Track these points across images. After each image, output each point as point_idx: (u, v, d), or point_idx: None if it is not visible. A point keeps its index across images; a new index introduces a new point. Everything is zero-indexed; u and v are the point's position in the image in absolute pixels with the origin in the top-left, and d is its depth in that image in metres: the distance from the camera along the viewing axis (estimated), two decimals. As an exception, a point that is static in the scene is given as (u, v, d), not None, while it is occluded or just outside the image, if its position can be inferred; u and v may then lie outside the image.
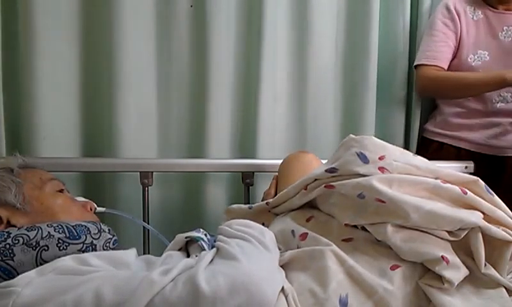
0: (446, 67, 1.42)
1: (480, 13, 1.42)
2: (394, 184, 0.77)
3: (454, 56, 1.44)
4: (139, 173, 1.22)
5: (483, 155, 1.42)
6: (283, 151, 1.37)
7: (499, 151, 1.42)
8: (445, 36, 1.41)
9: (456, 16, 1.41)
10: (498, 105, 1.40)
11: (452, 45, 1.42)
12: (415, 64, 1.47)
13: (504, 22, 1.41)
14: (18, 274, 0.65)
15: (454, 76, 1.40)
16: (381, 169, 0.79)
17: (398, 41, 1.51)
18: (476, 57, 1.39)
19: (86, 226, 0.78)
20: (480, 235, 0.72)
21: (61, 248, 0.73)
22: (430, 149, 1.49)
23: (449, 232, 0.73)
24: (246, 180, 1.28)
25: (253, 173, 1.29)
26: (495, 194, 0.80)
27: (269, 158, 1.35)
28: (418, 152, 1.52)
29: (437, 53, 1.41)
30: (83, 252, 0.75)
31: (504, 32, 1.40)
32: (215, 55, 1.31)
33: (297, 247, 0.79)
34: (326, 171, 0.84)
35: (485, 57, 1.39)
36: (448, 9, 1.43)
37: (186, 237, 0.79)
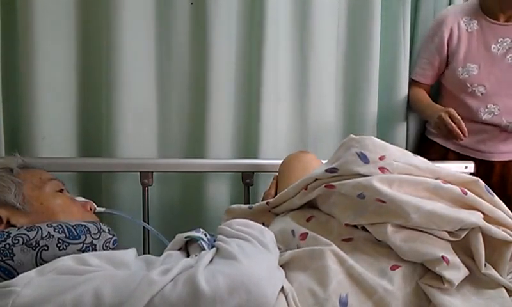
0: (430, 82, 1.50)
1: (476, 23, 1.41)
2: (394, 184, 0.77)
3: (445, 68, 1.45)
4: (139, 173, 1.22)
5: (470, 158, 1.44)
6: (284, 151, 1.37)
7: (486, 155, 1.45)
8: (429, 54, 1.46)
9: (445, 32, 1.41)
10: (485, 116, 1.41)
11: (436, 61, 1.45)
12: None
13: (499, 34, 1.40)
14: (18, 274, 0.65)
15: (414, 99, 1.49)
16: (382, 169, 0.79)
17: (398, 43, 1.51)
18: (464, 70, 1.40)
19: (85, 226, 0.78)
20: (480, 235, 0.72)
21: (61, 248, 0.73)
22: (424, 147, 1.53)
23: (449, 232, 0.74)
24: (246, 180, 1.28)
25: (253, 173, 1.29)
26: (495, 195, 0.80)
27: (269, 158, 1.35)
28: (419, 149, 1.56)
29: (420, 70, 1.50)
30: (83, 252, 0.74)
31: (498, 45, 1.39)
32: (215, 54, 1.31)
33: (297, 247, 0.79)
34: (326, 171, 0.84)
35: (473, 71, 1.39)
36: (438, 24, 1.44)
37: (186, 237, 0.79)
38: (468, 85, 1.40)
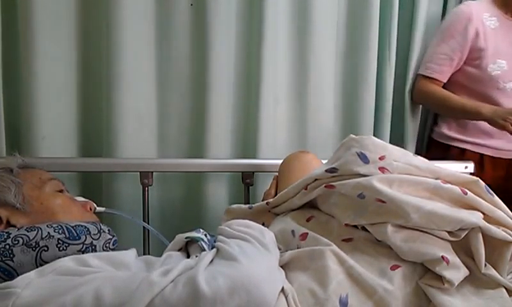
0: (445, 79, 1.46)
1: (496, 20, 1.41)
2: (394, 184, 0.77)
3: (465, 65, 1.44)
4: (139, 173, 1.22)
5: (503, 159, 1.46)
6: (284, 151, 1.37)
7: (510, 154, 1.47)
8: (449, 50, 1.42)
9: (471, 30, 1.39)
10: None
11: (456, 58, 1.42)
12: (418, 72, 1.50)
13: None
14: (17, 275, 0.65)
15: (441, 95, 1.44)
16: (382, 169, 0.79)
17: (384, 48, 1.51)
18: (496, 66, 1.39)
19: (85, 227, 0.78)
20: (480, 235, 0.72)
21: (61, 249, 0.73)
22: (450, 154, 1.49)
23: (449, 232, 0.74)
24: (246, 180, 1.28)
25: (253, 173, 1.28)
26: (495, 195, 0.80)
27: (269, 158, 1.35)
28: (432, 156, 1.53)
29: (437, 66, 1.44)
30: (83, 252, 0.74)
31: None
32: (215, 55, 1.31)
33: (297, 247, 0.79)
34: (326, 171, 0.84)
35: (503, 67, 1.39)
36: (462, 21, 1.40)
37: (186, 237, 0.79)
38: (500, 81, 1.40)
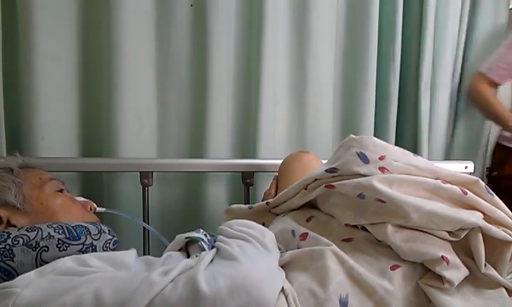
0: (501, 82, 1.52)
1: None
2: (394, 184, 0.77)
3: None
4: (139, 173, 1.22)
5: None
6: (283, 151, 1.38)
7: None
8: (510, 56, 1.48)
9: None
10: None
11: None
12: (479, 69, 1.54)
13: None
14: (18, 275, 0.65)
15: (485, 96, 1.50)
16: (382, 169, 0.79)
17: (388, 50, 1.51)
18: None
19: (86, 227, 0.78)
20: (480, 235, 0.72)
21: (61, 249, 0.73)
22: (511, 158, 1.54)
23: (449, 232, 0.73)
24: (246, 180, 1.28)
25: (253, 173, 1.29)
26: (495, 195, 0.80)
27: (269, 158, 1.35)
28: (495, 158, 1.58)
29: (495, 68, 1.50)
30: (83, 253, 0.74)
31: None
32: (215, 55, 1.31)
33: (298, 247, 0.79)
34: (326, 171, 0.84)
35: None
36: None
37: (186, 238, 0.79)
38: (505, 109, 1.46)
